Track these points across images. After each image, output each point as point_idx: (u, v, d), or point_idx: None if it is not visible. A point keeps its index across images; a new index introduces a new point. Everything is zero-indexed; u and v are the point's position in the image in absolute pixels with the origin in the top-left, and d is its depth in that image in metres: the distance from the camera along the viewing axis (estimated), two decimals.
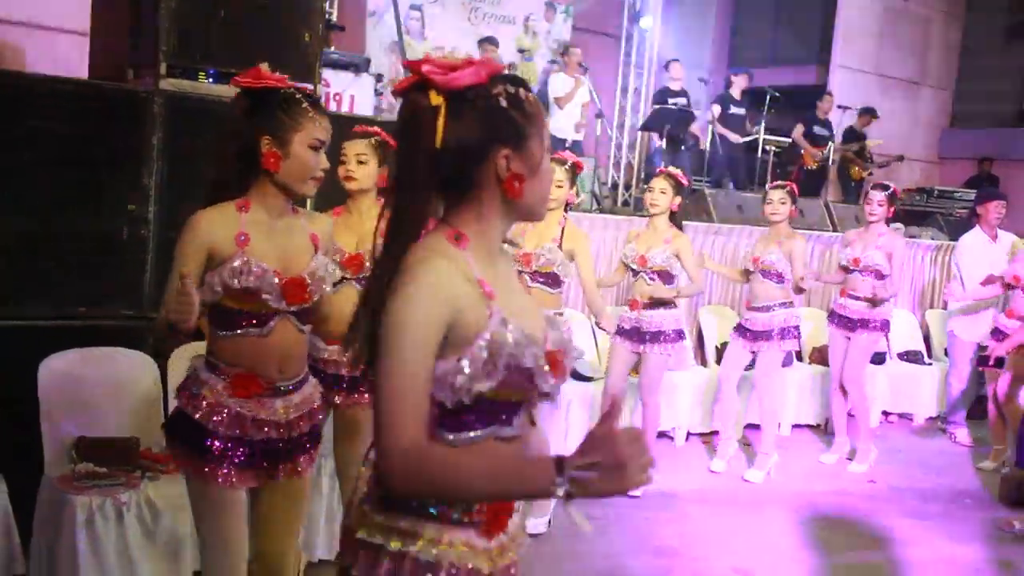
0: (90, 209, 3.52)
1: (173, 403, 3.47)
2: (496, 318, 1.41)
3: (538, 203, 1.52)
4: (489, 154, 1.44)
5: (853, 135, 10.26)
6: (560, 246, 4.05)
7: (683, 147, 8.92)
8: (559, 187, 4.04)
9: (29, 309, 3.41)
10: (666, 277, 4.68)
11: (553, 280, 4.07)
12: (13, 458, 3.21)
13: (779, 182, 5.47)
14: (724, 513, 4.73)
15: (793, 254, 5.09)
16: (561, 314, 4.20)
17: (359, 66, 6.61)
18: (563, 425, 5.21)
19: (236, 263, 2.17)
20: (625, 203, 9.70)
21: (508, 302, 1.46)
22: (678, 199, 4.75)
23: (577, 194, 6.21)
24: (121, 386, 3.45)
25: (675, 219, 4.78)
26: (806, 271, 5.15)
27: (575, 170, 4.22)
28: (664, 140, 8.51)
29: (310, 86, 4.32)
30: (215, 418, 2.20)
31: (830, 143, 9.76)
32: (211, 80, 4.00)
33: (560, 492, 1.26)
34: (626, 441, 1.25)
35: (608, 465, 1.25)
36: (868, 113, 10.27)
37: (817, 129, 9.73)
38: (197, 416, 2.21)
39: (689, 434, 5.96)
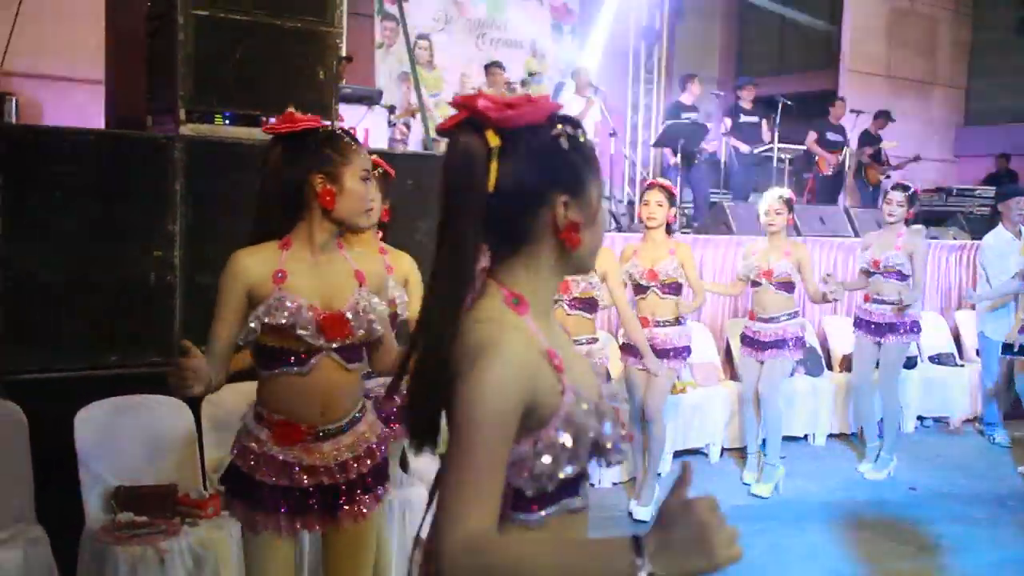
0: (116, 257, 3.53)
1: (209, 447, 3.52)
2: (569, 395, 1.31)
3: (592, 255, 1.41)
4: (547, 201, 1.33)
5: (868, 139, 10.21)
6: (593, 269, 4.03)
7: (697, 161, 8.89)
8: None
9: (61, 361, 3.42)
10: (676, 289, 4.62)
11: (591, 306, 4.04)
12: (54, 511, 3.21)
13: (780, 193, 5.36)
14: (768, 528, 4.67)
15: (803, 263, 5.04)
16: (596, 339, 4.12)
17: (372, 98, 6.64)
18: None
19: (271, 300, 2.17)
20: (641, 220, 9.67)
21: (570, 369, 1.34)
22: (673, 210, 4.67)
23: None
24: (156, 433, 3.45)
25: (670, 230, 4.70)
26: (831, 280, 5.09)
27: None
28: (678, 155, 8.47)
29: (327, 123, 4.35)
30: (264, 468, 2.21)
31: (845, 148, 9.71)
32: (228, 123, 4.02)
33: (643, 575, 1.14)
34: (705, 510, 1.15)
35: (690, 539, 1.14)
36: (883, 116, 10.22)
37: (831, 135, 9.69)
38: (245, 468, 2.23)
39: (724, 450, 5.90)
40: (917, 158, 10.42)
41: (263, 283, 2.18)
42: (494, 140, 1.29)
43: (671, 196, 4.63)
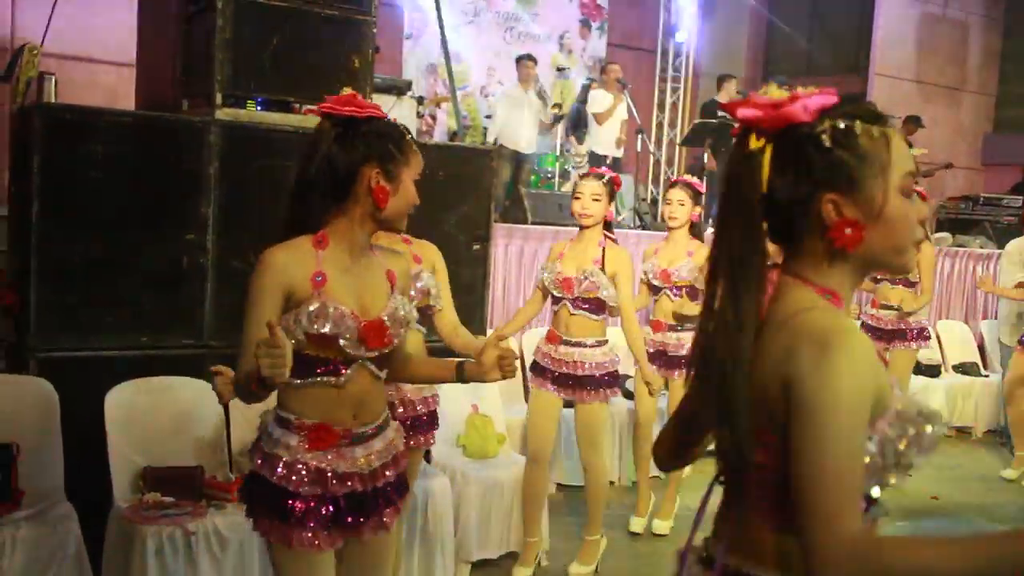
0: (150, 239, 3.55)
1: (236, 431, 3.54)
2: (895, 392, 1.28)
3: (887, 253, 1.33)
4: (814, 200, 1.30)
5: None
6: (603, 268, 3.77)
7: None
8: (596, 201, 3.78)
9: (93, 340, 3.44)
10: (692, 293, 4.32)
11: (598, 306, 3.80)
12: (83, 488, 3.24)
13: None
14: None
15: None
16: (605, 341, 3.88)
17: (401, 89, 6.66)
18: (616, 449, 5.19)
19: (313, 306, 2.00)
20: (663, 219, 9.65)
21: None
22: (698, 209, 4.45)
23: (617, 211, 6.10)
24: (184, 415, 3.47)
25: (696, 230, 4.47)
26: None
27: (613, 185, 3.89)
28: (707, 154, 8.43)
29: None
30: (294, 477, 2.03)
31: None
32: (259, 108, 4.03)
33: None
34: None
35: None
36: (912, 122, 10.13)
37: None
38: (274, 478, 2.04)
39: None
40: (949, 165, 10.32)
41: (301, 285, 2.01)
42: (755, 143, 1.30)
43: (696, 194, 4.41)
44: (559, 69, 10.62)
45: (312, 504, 2.03)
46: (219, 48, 3.77)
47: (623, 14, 11.55)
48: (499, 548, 4.01)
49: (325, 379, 2.05)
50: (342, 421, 2.09)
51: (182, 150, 3.61)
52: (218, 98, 3.79)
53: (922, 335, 5.42)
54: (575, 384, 3.80)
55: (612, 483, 5.07)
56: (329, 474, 2.05)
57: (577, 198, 3.83)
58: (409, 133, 2.15)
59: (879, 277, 5.40)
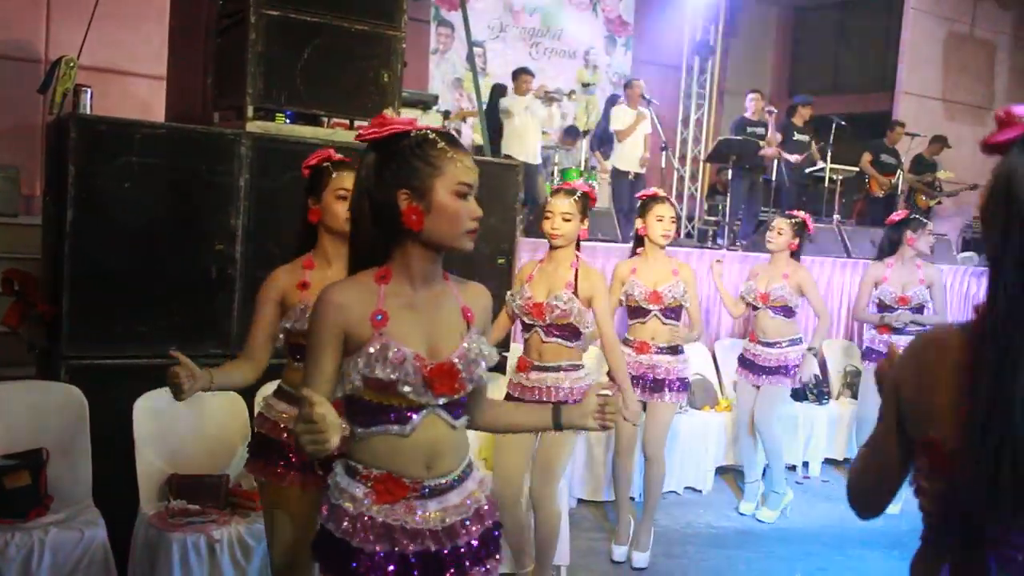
0: (180, 249, 3.60)
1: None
2: None
3: None
4: None
5: (922, 163, 10.08)
6: (575, 292, 3.52)
7: (760, 177, 8.82)
8: (567, 221, 3.52)
9: (123, 348, 3.49)
10: (678, 314, 4.23)
11: (571, 333, 3.52)
12: (110, 494, 3.28)
13: (788, 212, 5.22)
14: (811, 550, 4.62)
15: (804, 286, 4.90)
16: (581, 366, 3.60)
17: (427, 103, 6.71)
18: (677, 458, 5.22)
19: (372, 349, 1.81)
20: (688, 235, 9.65)
21: None
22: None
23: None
24: (210, 424, 3.51)
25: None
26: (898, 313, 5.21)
27: (587, 201, 3.62)
28: (731, 171, 8.42)
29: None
30: (360, 532, 1.85)
31: (899, 171, 9.60)
32: (288, 121, 4.09)
33: None
34: None
35: None
36: (939, 141, 10.09)
37: (885, 157, 9.58)
38: (339, 532, 1.86)
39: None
40: (974, 186, 10.25)
41: (361, 325, 1.83)
42: None
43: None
44: (584, 85, 10.67)
45: (379, 562, 1.84)
46: (251, 61, 3.83)
47: (649, 30, 11.59)
48: None
49: (389, 428, 1.86)
50: (412, 472, 1.88)
51: (214, 162, 3.66)
52: (249, 111, 3.85)
53: None
54: None
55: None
56: (398, 530, 1.86)
57: (547, 217, 3.56)
58: (444, 139, 1.88)
59: (894, 307, 5.31)
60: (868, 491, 1.54)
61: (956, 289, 7.44)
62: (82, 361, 3.41)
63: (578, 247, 3.64)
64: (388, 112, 1.97)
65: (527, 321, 3.56)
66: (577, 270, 3.54)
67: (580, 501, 5.01)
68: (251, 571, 3.13)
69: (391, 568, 1.83)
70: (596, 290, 3.53)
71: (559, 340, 3.51)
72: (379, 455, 1.86)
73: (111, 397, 3.36)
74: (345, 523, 1.85)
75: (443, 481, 1.90)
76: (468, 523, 1.92)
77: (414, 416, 1.85)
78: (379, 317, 1.83)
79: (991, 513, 1.23)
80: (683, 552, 4.46)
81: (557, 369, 3.52)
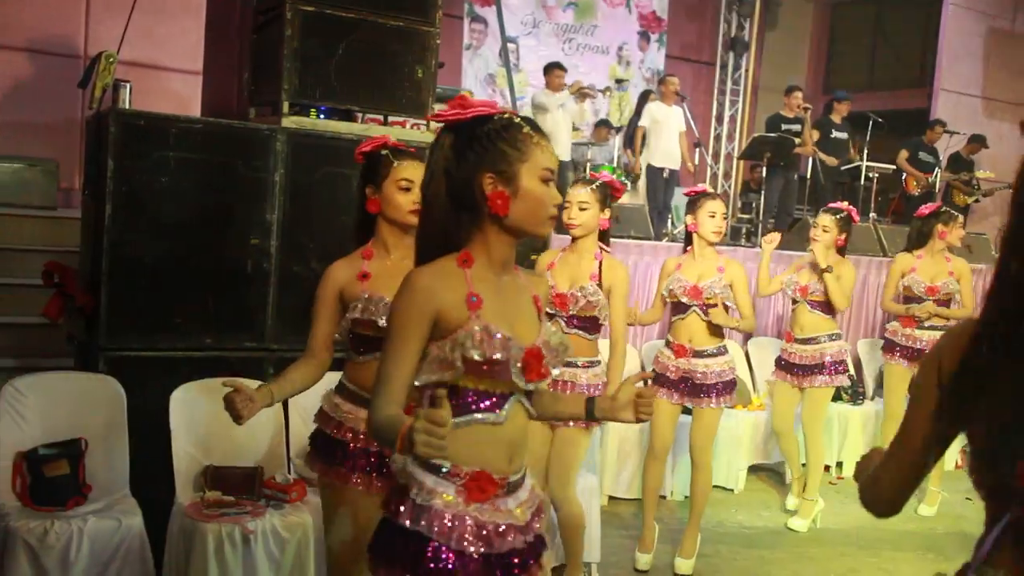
0: (216, 243, 3.63)
1: (295, 433, 3.59)
2: None
3: None
4: None
5: (959, 161, 9.94)
6: (600, 284, 3.49)
7: (795, 175, 8.74)
8: (584, 210, 3.49)
9: (160, 340, 3.53)
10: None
11: (592, 325, 3.51)
12: (147, 485, 3.32)
13: (831, 205, 5.04)
14: (844, 552, 4.57)
15: (842, 279, 4.74)
16: (597, 362, 3.56)
17: None
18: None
19: (476, 330, 1.75)
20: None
21: None
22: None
23: (672, 224, 6.01)
24: None
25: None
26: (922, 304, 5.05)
27: (607, 191, 3.57)
28: (766, 169, 8.33)
29: (423, 122, 4.41)
30: (456, 534, 1.76)
31: (936, 169, 9.47)
32: (322, 116, 4.11)
33: None
34: None
35: None
36: (977, 141, 9.94)
37: (923, 155, 9.45)
38: (434, 534, 1.75)
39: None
40: (1011, 185, 10.09)
41: (455, 308, 1.77)
42: None
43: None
44: (617, 81, 10.62)
45: (475, 566, 1.77)
46: (287, 57, 3.86)
47: (682, 27, 11.52)
48: None
49: (486, 416, 1.80)
50: (499, 467, 1.83)
51: (249, 157, 3.69)
52: (285, 106, 3.87)
53: None
54: None
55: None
56: (492, 530, 1.79)
57: (565, 207, 3.49)
58: (528, 124, 1.84)
59: (924, 297, 5.24)
60: (886, 485, 1.53)
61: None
62: (120, 353, 3.46)
63: (606, 241, 3.61)
64: (467, 94, 1.94)
65: (548, 311, 3.47)
66: (602, 261, 3.52)
67: (611, 499, 5.00)
68: (285, 563, 3.16)
69: (485, 569, 1.78)
70: (618, 282, 3.51)
71: (579, 332, 3.48)
72: (469, 449, 1.79)
73: (148, 388, 3.40)
74: (439, 523, 1.75)
75: (520, 476, 1.88)
76: (536, 517, 1.91)
77: (505, 403, 1.82)
78: (474, 299, 1.78)
79: None
80: (715, 552, 4.43)
81: (574, 365, 3.47)
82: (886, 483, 1.53)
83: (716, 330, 4.12)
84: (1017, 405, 1.29)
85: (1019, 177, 1.32)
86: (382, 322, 2.43)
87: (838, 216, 4.79)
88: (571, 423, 3.43)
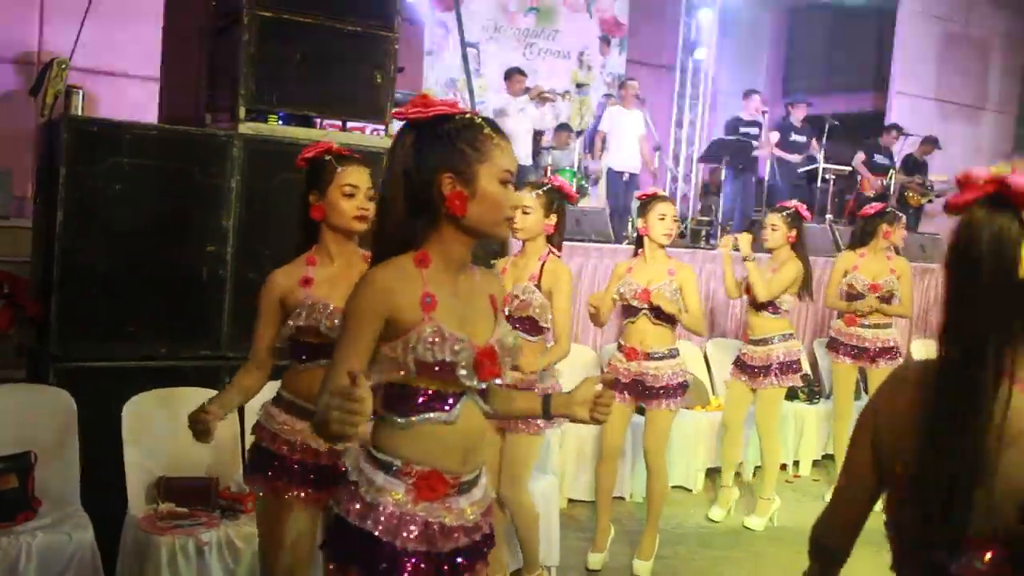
0: (171, 251, 3.60)
1: (250, 442, 3.55)
2: None
3: None
4: None
5: (913, 163, 10.13)
6: (539, 284, 3.52)
7: (753, 177, 8.85)
8: (526, 214, 3.51)
9: (113, 350, 3.49)
10: (670, 316, 4.06)
11: (532, 326, 3.51)
12: (98, 497, 3.28)
13: (780, 204, 5.10)
14: (801, 550, 4.62)
15: (778, 273, 4.75)
16: (546, 369, 3.54)
17: None
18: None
19: (427, 332, 1.76)
20: (681, 235, 9.64)
21: None
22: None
23: (577, 222, 5.92)
24: None
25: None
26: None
27: (556, 195, 3.59)
28: (725, 171, 8.44)
29: (381, 128, 4.40)
30: (402, 532, 1.77)
31: (891, 171, 9.65)
32: (281, 122, 4.09)
33: None
34: None
35: None
36: (930, 143, 10.13)
37: (878, 158, 9.65)
38: (379, 531, 1.77)
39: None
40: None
41: (408, 308, 1.77)
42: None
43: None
44: (578, 86, 10.66)
45: (423, 565, 1.79)
46: (245, 63, 3.83)
47: (642, 31, 11.58)
48: None
49: (437, 416, 1.81)
50: (452, 467, 1.84)
51: (205, 163, 3.66)
52: (242, 112, 3.85)
53: (899, 353, 5.42)
54: None
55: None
56: (437, 530, 1.81)
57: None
58: (489, 125, 1.84)
59: (864, 294, 5.33)
60: (838, 525, 1.59)
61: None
62: (71, 363, 3.42)
63: (557, 245, 3.62)
64: (429, 93, 1.94)
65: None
66: (544, 263, 3.54)
67: (571, 501, 5.02)
68: (239, 573, 3.12)
69: (430, 567, 1.79)
70: (558, 282, 3.51)
71: (520, 334, 3.43)
72: (421, 448, 1.81)
73: (100, 399, 3.35)
74: (385, 523, 1.77)
75: (473, 476, 1.89)
76: (484, 518, 1.91)
77: (457, 403, 1.82)
78: (428, 300, 1.79)
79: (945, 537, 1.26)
80: (673, 553, 4.46)
81: (519, 369, 3.39)
82: (835, 523, 1.59)
83: (667, 333, 4.12)
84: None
85: (953, 245, 1.27)
86: (324, 328, 2.45)
87: (785, 213, 4.84)
88: (521, 428, 3.46)
